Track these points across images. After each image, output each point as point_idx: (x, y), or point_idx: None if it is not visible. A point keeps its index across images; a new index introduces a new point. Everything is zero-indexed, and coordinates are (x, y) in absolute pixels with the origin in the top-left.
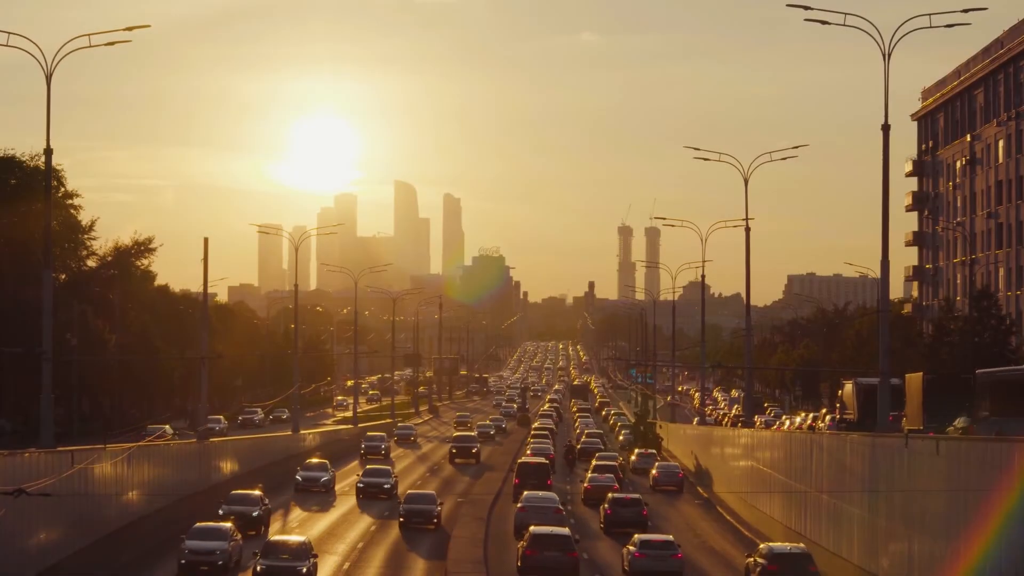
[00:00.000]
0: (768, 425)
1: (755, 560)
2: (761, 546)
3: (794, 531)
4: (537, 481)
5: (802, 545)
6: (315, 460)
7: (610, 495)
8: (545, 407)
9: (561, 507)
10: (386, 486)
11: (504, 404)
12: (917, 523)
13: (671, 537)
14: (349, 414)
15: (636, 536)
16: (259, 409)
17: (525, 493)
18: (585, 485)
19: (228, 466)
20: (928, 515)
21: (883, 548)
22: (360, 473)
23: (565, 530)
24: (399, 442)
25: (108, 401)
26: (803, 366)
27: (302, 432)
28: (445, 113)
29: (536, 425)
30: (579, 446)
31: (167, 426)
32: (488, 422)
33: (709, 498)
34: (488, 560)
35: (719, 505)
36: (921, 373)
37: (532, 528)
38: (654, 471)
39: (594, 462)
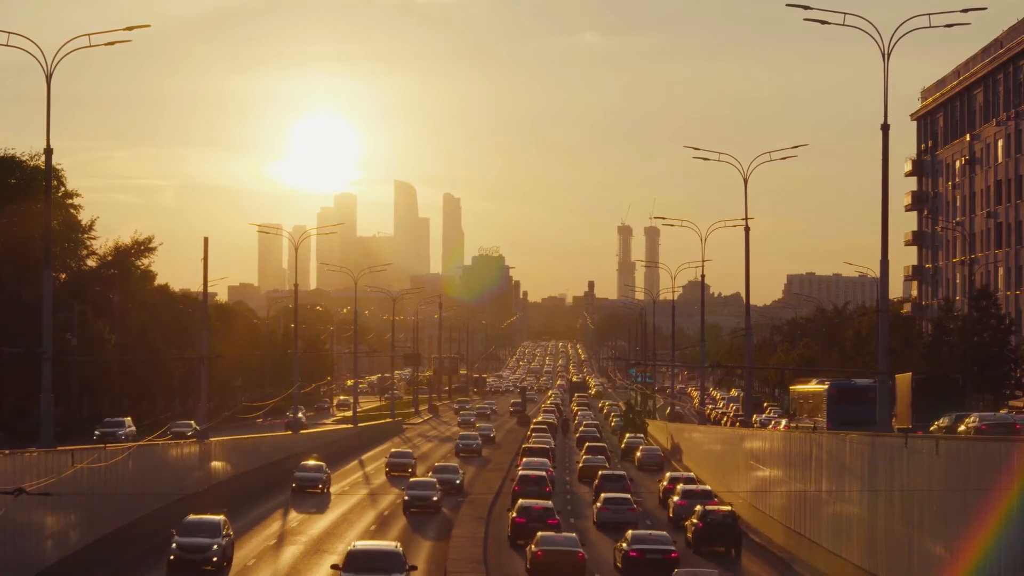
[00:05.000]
0: (764, 425)
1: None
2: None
3: (793, 530)
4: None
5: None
6: None
7: (600, 472)
8: (547, 403)
9: (552, 469)
10: None
11: (464, 437)
12: (917, 523)
13: (628, 496)
14: (351, 412)
15: (602, 495)
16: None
17: (524, 459)
18: (580, 465)
19: (228, 466)
20: (928, 515)
21: (883, 548)
22: None
23: (543, 472)
24: (299, 489)
25: (108, 401)
26: (802, 366)
27: None
28: (445, 113)
29: (538, 420)
30: (577, 435)
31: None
32: (427, 478)
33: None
34: (488, 560)
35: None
36: (910, 373)
37: (520, 471)
38: (638, 453)
39: (588, 444)
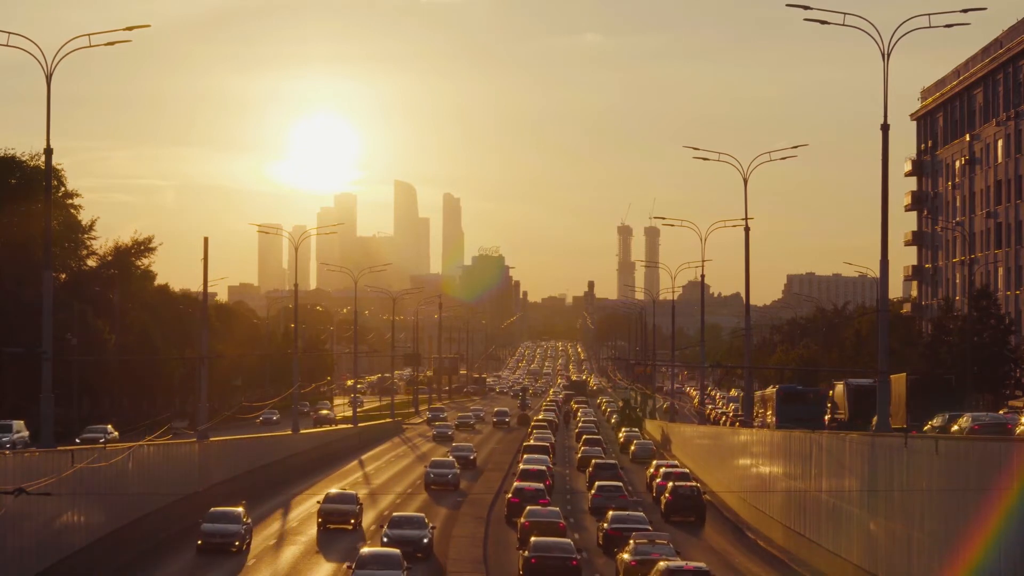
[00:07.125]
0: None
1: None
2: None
3: (793, 530)
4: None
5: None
6: None
7: (594, 460)
8: (547, 402)
9: (551, 465)
10: None
11: (436, 464)
12: (916, 523)
13: (620, 484)
14: (352, 413)
15: (596, 483)
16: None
17: (525, 456)
18: (578, 456)
19: (228, 466)
20: (927, 515)
21: (882, 548)
22: None
23: (543, 467)
24: (205, 548)
25: (108, 401)
26: (802, 366)
27: None
28: (445, 113)
29: (539, 417)
30: (576, 430)
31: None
32: (386, 548)
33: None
34: (488, 560)
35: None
36: (904, 374)
37: (521, 465)
38: (633, 447)
39: (584, 437)
